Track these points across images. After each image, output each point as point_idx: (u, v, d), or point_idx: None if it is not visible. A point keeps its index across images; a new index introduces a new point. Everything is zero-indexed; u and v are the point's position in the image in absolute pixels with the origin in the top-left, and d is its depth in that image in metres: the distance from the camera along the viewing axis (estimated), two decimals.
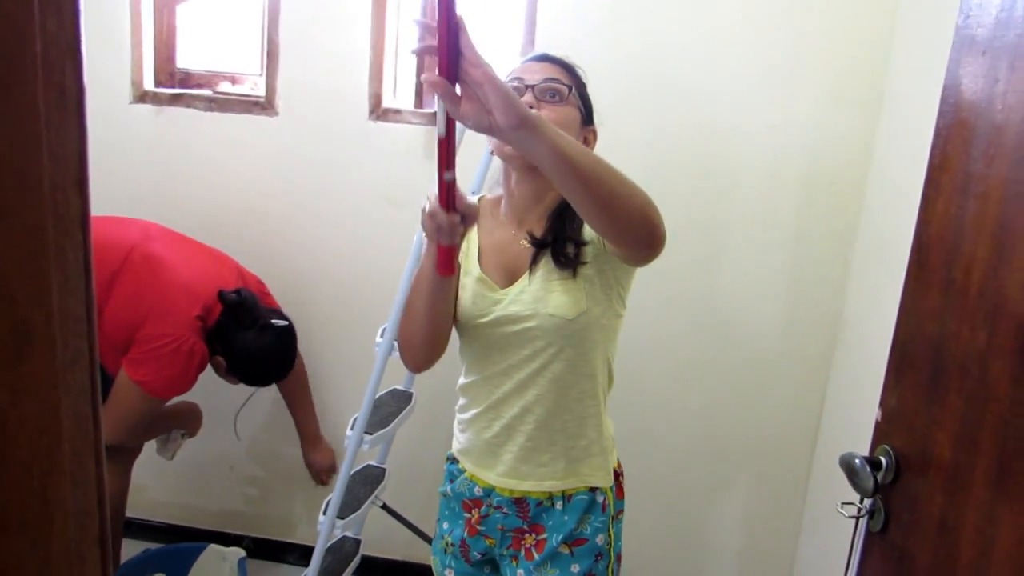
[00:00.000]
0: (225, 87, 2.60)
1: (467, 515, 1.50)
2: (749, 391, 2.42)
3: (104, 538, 0.50)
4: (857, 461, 1.08)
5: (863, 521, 1.14)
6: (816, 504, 2.37)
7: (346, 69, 2.42)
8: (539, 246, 1.36)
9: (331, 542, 2.40)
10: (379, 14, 2.38)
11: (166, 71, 2.58)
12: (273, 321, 2.20)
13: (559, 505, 1.43)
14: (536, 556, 1.43)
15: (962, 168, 0.99)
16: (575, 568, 1.42)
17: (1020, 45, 0.91)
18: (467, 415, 1.49)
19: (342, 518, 2.19)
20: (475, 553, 1.51)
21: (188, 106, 2.52)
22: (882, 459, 1.10)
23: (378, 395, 2.34)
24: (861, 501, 1.14)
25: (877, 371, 1.23)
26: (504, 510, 1.45)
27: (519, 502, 1.44)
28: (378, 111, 2.44)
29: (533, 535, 1.45)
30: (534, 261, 1.36)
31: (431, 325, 1.36)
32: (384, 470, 2.51)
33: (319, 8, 2.41)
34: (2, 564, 0.42)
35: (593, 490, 1.43)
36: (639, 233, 1.14)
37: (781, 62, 2.20)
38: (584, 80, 1.44)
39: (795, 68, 2.20)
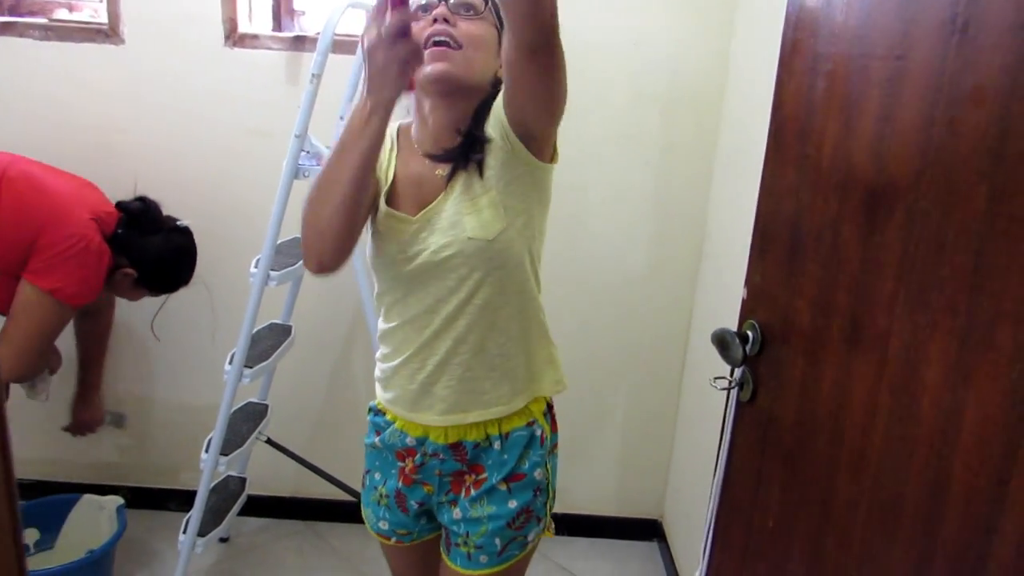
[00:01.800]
0: (62, 15, 2.40)
1: (400, 464, 1.43)
2: (622, 306, 2.51)
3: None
4: (727, 335, 1.15)
5: (734, 393, 1.21)
6: (691, 391, 2.50)
7: None
8: (451, 158, 1.29)
9: (215, 481, 2.35)
10: None
11: None
12: (177, 223, 2.20)
13: (497, 445, 1.37)
14: (473, 492, 1.38)
15: (811, 49, 1.05)
16: (512, 504, 1.36)
17: None
18: (393, 363, 1.38)
19: (225, 455, 2.15)
20: (412, 503, 1.44)
21: (21, 35, 2.32)
22: (748, 333, 1.17)
23: (256, 329, 2.28)
24: (732, 374, 1.22)
25: (739, 272, 1.30)
26: (440, 456, 1.38)
27: (455, 447, 1.37)
28: (234, 37, 2.33)
29: (473, 475, 1.39)
30: (449, 179, 1.29)
31: (352, 205, 1.20)
32: (267, 406, 2.47)
33: None
34: None
35: (531, 423, 1.39)
36: (545, 17, 1.05)
37: None
38: None
39: None
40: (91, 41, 2.34)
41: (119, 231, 2.08)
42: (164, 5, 2.30)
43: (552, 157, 1.31)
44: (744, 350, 1.14)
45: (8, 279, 1.94)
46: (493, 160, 1.26)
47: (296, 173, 1.99)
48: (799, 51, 1.07)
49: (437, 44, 1.22)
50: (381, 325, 1.41)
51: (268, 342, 2.28)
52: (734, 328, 1.23)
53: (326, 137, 2.05)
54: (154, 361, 2.61)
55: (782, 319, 1.12)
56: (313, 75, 1.92)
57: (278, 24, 2.41)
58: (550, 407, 1.47)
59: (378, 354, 1.44)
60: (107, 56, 2.34)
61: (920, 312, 0.87)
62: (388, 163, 1.36)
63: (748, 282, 1.20)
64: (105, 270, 2.02)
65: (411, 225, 1.29)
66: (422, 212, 1.29)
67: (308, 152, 2.00)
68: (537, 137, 1.25)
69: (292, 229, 2.27)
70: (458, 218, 1.26)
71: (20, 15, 2.38)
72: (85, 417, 2.45)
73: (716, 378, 1.22)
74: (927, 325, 0.86)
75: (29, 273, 1.92)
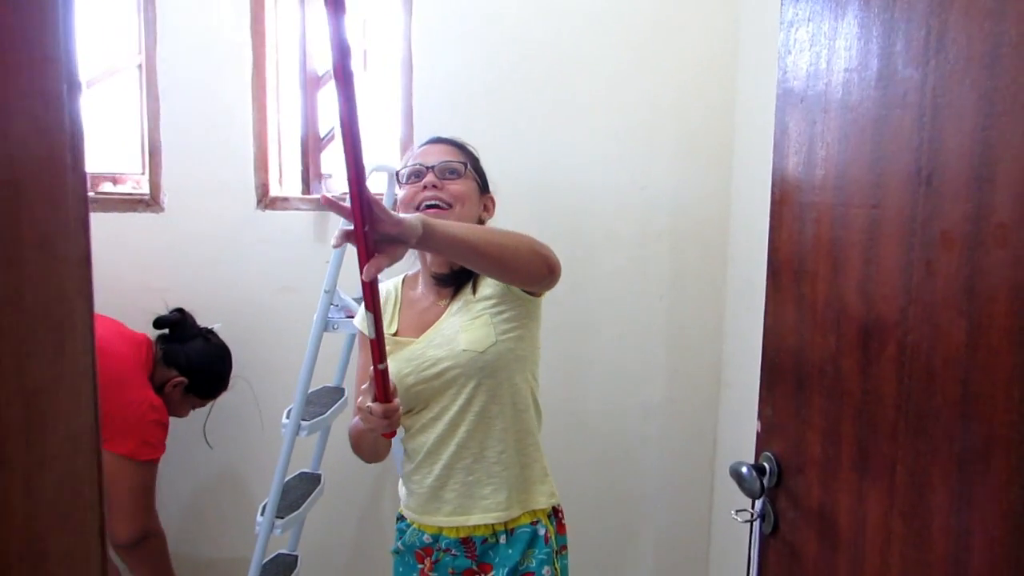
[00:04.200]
0: (107, 187, 2.60)
1: (420, 566, 1.57)
2: (643, 438, 2.55)
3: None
4: (744, 469, 1.20)
5: (756, 525, 1.24)
6: (721, 523, 2.48)
7: (231, 162, 2.47)
8: (451, 280, 1.54)
9: None
10: (260, 105, 2.46)
11: None
12: (209, 328, 2.35)
13: (503, 539, 1.51)
14: None
15: (797, 200, 1.15)
16: None
17: (829, 91, 1.08)
18: (409, 467, 1.58)
19: None
20: None
21: None
22: (765, 465, 1.22)
23: (286, 479, 2.33)
24: (752, 505, 1.25)
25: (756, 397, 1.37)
26: (452, 551, 1.52)
27: (465, 542, 1.51)
28: (266, 200, 2.50)
29: (482, 574, 1.52)
30: (451, 300, 1.54)
31: (378, 456, 1.56)
32: (296, 557, 2.47)
33: (199, 105, 2.46)
34: None
35: (535, 523, 1.52)
36: (536, 271, 1.36)
37: (640, 125, 2.41)
38: (476, 155, 1.63)
39: (653, 128, 2.41)
40: (134, 211, 2.51)
41: (162, 346, 2.22)
42: (201, 174, 2.49)
43: (541, 294, 1.55)
44: (761, 482, 1.18)
45: None
46: (489, 292, 1.50)
47: (326, 326, 2.09)
48: (787, 202, 1.17)
49: (430, 207, 1.48)
50: (402, 434, 1.61)
51: (299, 491, 2.32)
52: (753, 459, 1.28)
53: (353, 290, 2.17)
54: (176, 516, 2.65)
55: (796, 450, 1.17)
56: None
57: (307, 187, 2.58)
58: (556, 511, 1.60)
59: (399, 461, 1.66)
60: (148, 223, 2.51)
61: (921, 439, 0.92)
62: (393, 315, 1.60)
63: (761, 415, 1.26)
64: (167, 420, 2.13)
65: (415, 345, 1.51)
66: (424, 334, 1.52)
67: (337, 306, 2.11)
68: (538, 291, 1.53)
69: (322, 379, 2.37)
70: (454, 334, 1.48)
71: None
72: None
73: (738, 511, 1.25)
74: (928, 452, 0.91)
75: (104, 442, 1.98)
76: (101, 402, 1.92)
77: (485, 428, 1.49)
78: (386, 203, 2.31)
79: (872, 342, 1.00)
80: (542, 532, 1.53)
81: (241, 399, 2.53)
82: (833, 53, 1.07)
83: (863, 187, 1.02)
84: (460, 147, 1.61)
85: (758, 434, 1.27)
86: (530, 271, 1.35)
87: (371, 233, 1.09)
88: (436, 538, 1.55)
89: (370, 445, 1.51)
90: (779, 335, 1.21)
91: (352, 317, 2.10)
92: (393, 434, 1.39)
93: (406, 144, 2.47)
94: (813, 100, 1.11)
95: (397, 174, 1.59)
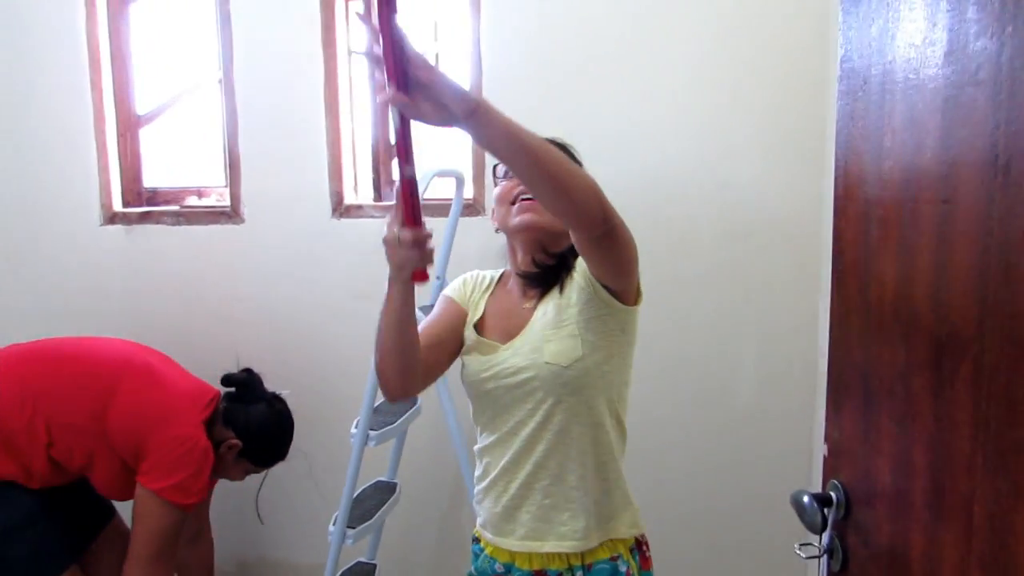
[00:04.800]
0: (192, 201, 2.66)
1: None
2: (734, 451, 2.39)
3: None
4: (805, 498, 1.07)
5: (823, 562, 1.11)
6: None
7: (306, 172, 2.49)
8: (538, 280, 1.43)
9: None
10: (333, 116, 2.47)
11: (133, 191, 2.66)
12: (277, 394, 2.26)
13: (579, 575, 1.39)
14: None
15: (862, 195, 1.01)
16: None
17: (893, 69, 0.94)
18: (484, 483, 1.48)
19: None
20: None
21: (157, 222, 2.59)
22: (832, 494, 1.08)
23: (361, 488, 2.32)
24: (821, 540, 1.12)
25: None
26: None
27: (539, 574, 1.41)
28: (340, 209, 2.50)
29: None
30: (538, 302, 1.43)
31: (402, 356, 1.33)
32: (374, 566, 2.46)
33: (275, 117, 2.49)
34: None
35: (615, 558, 1.40)
36: (588, 207, 1.15)
37: (720, 118, 2.26)
38: (579, 159, 1.45)
39: (735, 121, 2.25)
40: (216, 223, 2.56)
41: (225, 404, 2.15)
42: (279, 185, 2.51)
43: (635, 300, 1.40)
44: (823, 514, 1.05)
45: (121, 465, 2.04)
46: (577, 298, 1.38)
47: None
48: (851, 198, 1.04)
49: (526, 199, 1.39)
50: (477, 444, 1.50)
51: (372, 501, 2.30)
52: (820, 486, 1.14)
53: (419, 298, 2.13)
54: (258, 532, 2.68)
55: (864, 479, 1.03)
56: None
57: (379, 194, 2.57)
58: (639, 543, 1.47)
59: (476, 473, 1.52)
60: (229, 234, 2.56)
61: (1001, 477, 0.78)
62: (479, 299, 1.52)
63: (828, 437, 1.12)
64: (209, 467, 2.06)
65: (498, 350, 1.42)
66: (511, 342, 1.41)
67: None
68: (616, 288, 1.36)
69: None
70: (539, 344, 1.37)
71: (156, 204, 2.65)
72: None
73: (802, 544, 1.12)
74: (1010, 492, 0.77)
75: (141, 475, 1.99)
76: (149, 431, 1.95)
77: (564, 449, 1.38)
78: (454, 208, 2.26)
79: (945, 359, 0.86)
80: (623, 569, 1.41)
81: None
82: (897, 26, 0.93)
83: (931, 179, 0.88)
84: (562, 146, 1.43)
85: (825, 459, 1.13)
86: (581, 204, 1.14)
87: (400, 64, 1.00)
88: (508, 568, 1.44)
89: (394, 318, 1.28)
90: (845, 348, 1.07)
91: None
92: (424, 277, 1.23)
93: (479, 150, 2.41)
94: (876, 80, 0.97)
95: (495, 169, 1.50)
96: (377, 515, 2.22)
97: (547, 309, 1.41)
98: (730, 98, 2.25)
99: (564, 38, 2.32)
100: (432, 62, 1.03)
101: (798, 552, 1.12)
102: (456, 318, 1.50)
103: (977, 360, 0.81)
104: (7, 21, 2.58)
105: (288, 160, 2.50)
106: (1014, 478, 0.76)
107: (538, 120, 2.27)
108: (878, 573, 1.00)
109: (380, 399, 2.19)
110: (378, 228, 2.41)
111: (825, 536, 1.10)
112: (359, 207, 2.51)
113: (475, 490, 1.53)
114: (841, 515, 1.07)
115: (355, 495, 2.25)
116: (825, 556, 1.10)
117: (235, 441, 2.13)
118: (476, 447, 1.51)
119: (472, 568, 1.53)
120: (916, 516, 0.92)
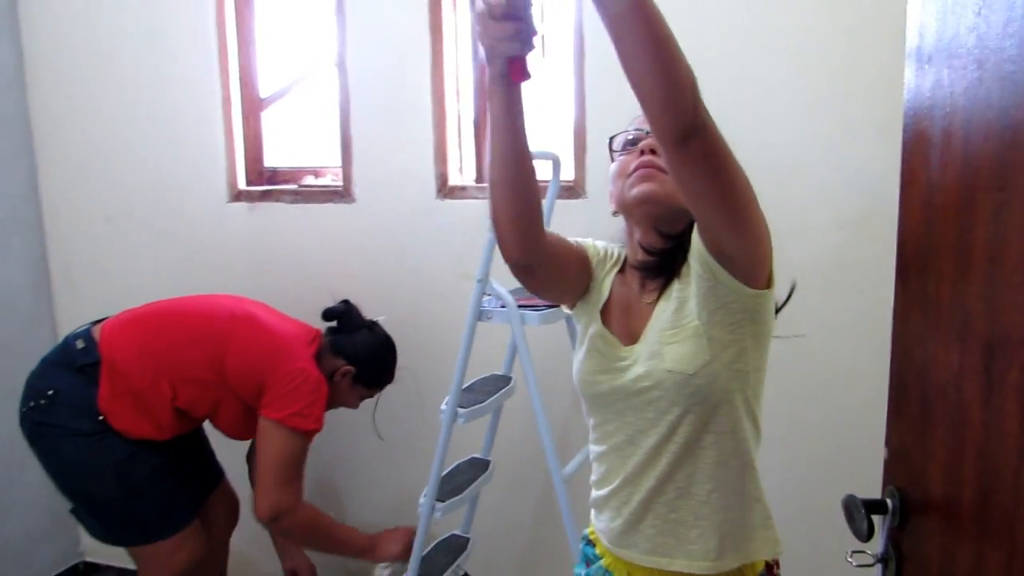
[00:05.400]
0: (309, 181, 2.79)
1: None
2: (852, 453, 2.25)
3: None
4: (854, 504, 1.00)
5: (877, 571, 1.04)
6: None
7: (413, 153, 2.55)
8: (657, 269, 1.27)
9: None
10: (439, 99, 2.51)
11: (256, 171, 2.81)
12: (369, 319, 2.42)
13: None
14: None
15: (925, 180, 0.93)
16: None
17: (957, 40, 0.86)
18: (603, 492, 1.34)
19: None
20: None
21: (276, 200, 2.73)
22: (888, 501, 1.01)
23: (456, 463, 2.37)
24: (875, 548, 1.05)
25: None
26: None
27: None
28: (444, 190, 2.54)
29: None
30: (658, 296, 1.27)
31: (512, 190, 1.17)
32: (468, 539, 2.51)
33: (385, 100, 2.56)
34: None
35: None
36: (683, 94, 1.00)
37: (833, 97, 2.13)
38: None
39: (849, 101, 2.12)
40: (330, 202, 2.67)
41: (329, 338, 2.32)
42: (388, 166, 2.59)
43: (767, 282, 1.19)
44: (870, 522, 0.98)
45: (245, 408, 2.21)
46: (697, 289, 1.18)
47: (480, 316, 2.09)
48: (916, 183, 0.96)
49: (643, 167, 1.23)
50: (591, 447, 1.38)
51: (465, 476, 2.35)
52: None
53: (507, 280, 2.14)
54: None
55: (918, 487, 0.96)
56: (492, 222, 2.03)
57: (481, 176, 2.59)
58: (770, 567, 1.31)
59: (592, 478, 1.40)
60: (341, 213, 2.66)
61: None
62: (605, 275, 1.37)
63: (888, 440, 1.05)
64: (324, 396, 2.22)
65: (618, 350, 1.28)
66: (634, 346, 1.27)
67: (490, 295, 2.09)
68: (735, 257, 1.13)
69: (483, 369, 2.36)
70: (659, 347, 1.21)
71: (276, 183, 2.80)
72: (293, 565, 2.59)
73: (854, 552, 1.05)
74: None
75: (262, 409, 2.16)
76: (265, 371, 2.10)
77: (693, 461, 1.22)
78: (551, 192, 2.25)
79: (996, 363, 0.79)
80: None
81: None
82: None
83: (987, 164, 0.80)
84: None
85: (885, 463, 1.06)
86: (678, 88, 0.98)
87: None
88: None
89: (498, 130, 1.12)
90: (906, 347, 1.00)
91: (505, 307, 2.07)
92: (522, 72, 1.07)
93: (578, 130, 2.39)
94: (942, 54, 0.89)
95: (611, 142, 1.34)
96: (467, 490, 2.27)
97: (667, 305, 1.25)
98: (845, 76, 2.11)
99: (668, 15, 2.24)
100: None
101: (848, 560, 1.05)
102: (582, 256, 1.36)
103: None
104: (145, 13, 2.78)
105: (396, 142, 2.57)
106: None
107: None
108: None
109: (472, 378, 2.23)
110: (481, 209, 2.49)
111: (879, 544, 1.03)
112: (463, 188, 2.54)
113: (592, 496, 1.39)
114: (897, 522, 1.00)
115: (449, 470, 2.31)
116: (880, 565, 1.04)
117: (347, 367, 2.30)
118: (591, 451, 1.38)
119: (582, 572, 1.42)
120: (964, 531, 0.85)
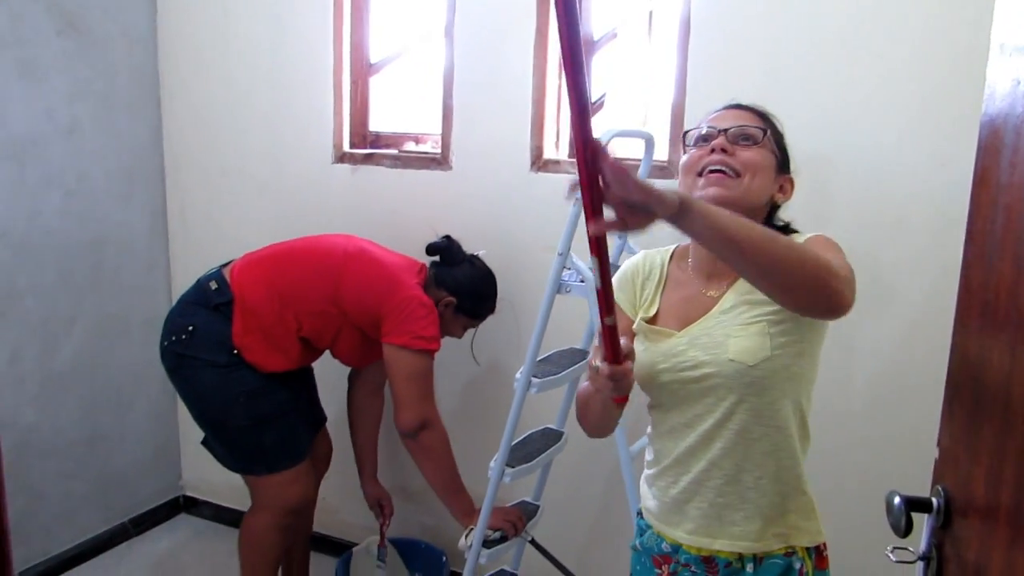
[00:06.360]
0: (410, 147, 2.88)
1: (657, 571, 1.44)
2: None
3: None
4: (896, 500, 1.00)
5: (919, 568, 1.04)
6: None
7: (511, 124, 2.59)
8: (728, 269, 1.33)
9: (488, 574, 2.49)
10: (540, 71, 2.54)
11: (360, 134, 2.92)
12: (470, 254, 2.52)
13: (749, 567, 1.34)
14: None
15: (995, 179, 0.91)
16: None
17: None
18: (653, 471, 1.45)
19: (487, 548, 2.29)
20: None
21: (378, 164, 2.83)
22: (933, 500, 1.00)
23: (529, 432, 2.43)
24: (917, 545, 1.04)
25: None
26: (692, 568, 1.38)
27: (708, 561, 1.37)
28: (539, 163, 2.58)
29: None
30: (724, 292, 1.34)
31: (600, 427, 1.44)
32: (538, 507, 2.57)
33: (487, 70, 2.61)
34: None
35: (790, 554, 1.34)
36: (813, 300, 1.13)
37: (940, 92, 2.05)
38: (781, 128, 1.42)
39: (956, 95, 2.03)
40: (427, 168, 2.76)
41: (434, 272, 2.45)
42: (486, 136, 2.64)
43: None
44: (908, 519, 0.97)
45: (361, 336, 2.39)
46: (773, 306, 1.27)
47: (559, 288, 2.12)
48: (987, 182, 0.94)
49: (714, 172, 1.30)
50: (649, 430, 1.48)
51: (537, 445, 2.40)
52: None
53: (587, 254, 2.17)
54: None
55: (963, 487, 0.95)
56: (577, 198, 2.05)
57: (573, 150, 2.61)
58: (819, 547, 1.40)
59: (646, 457, 1.51)
60: (438, 179, 2.74)
61: None
62: (654, 296, 1.43)
63: (940, 439, 1.04)
64: (437, 318, 2.36)
65: (675, 339, 1.34)
66: (686, 328, 1.34)
67: (570, 269, 2.13)
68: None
69: (562, 341, 2.40)
70: (724, 339, 1.28)
71: (379, 147, 2.90)
72: (377, 494, 2.75)
73: (894, 548, 1.05)
74: None
75: (384, 336, 2.32)
76: (380, 301, 2.28)
77: (744, 449, 1.31)
78: (642, 171, 2.25)
79: None
80: (797, 566, 1.34)
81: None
82: None
83: None
84: (762, 115, 1.39)
85: (936, 463, 1.04)
86: (804, 298, 1.12)
87: (601, 189, 0.96)
88: (676, 549, 1.40)
89: (597, 411, 1.36)
90: (964, 346, 0.98)
91: (584, 282, 2.10)
92: (625, 400, 1.25)
93: (676, 110, 2.38)
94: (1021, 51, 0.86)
95: (684, 136, 1.41)
96: (538, 459, 2.32)
97: (734, 298, 1.31)
98: (951, 68, 2.02)
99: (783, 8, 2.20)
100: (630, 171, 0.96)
101: (888, 554, 1.05)
102: (628, 326, 1.44)
103: None
104: None
105: (495, 113, 2.61)
106: None
107: (739, 85, 2.20)
108: None
109: (549, 350, 2.27)
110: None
111: (922, 543, 1.03)
112: (556, 162, 2.57)
113: (644, 474, 1.50)
114: (941, 523, 1.00)
115: (522, 438, 2.37)
116: (921, 563, 1.03)
117: (450, 298, 2.42)
118: (648, 432, 1.49)
119: (636, 541, 1.51)
120: (1000, 535, 0.84)
